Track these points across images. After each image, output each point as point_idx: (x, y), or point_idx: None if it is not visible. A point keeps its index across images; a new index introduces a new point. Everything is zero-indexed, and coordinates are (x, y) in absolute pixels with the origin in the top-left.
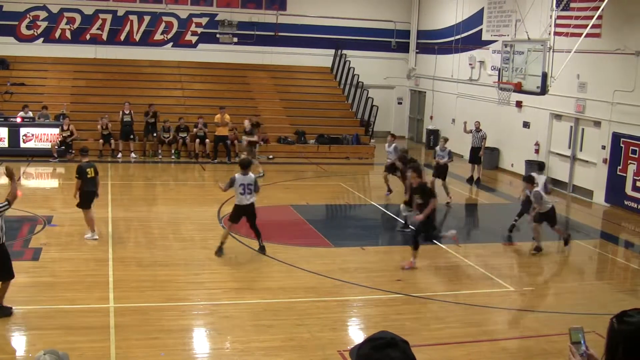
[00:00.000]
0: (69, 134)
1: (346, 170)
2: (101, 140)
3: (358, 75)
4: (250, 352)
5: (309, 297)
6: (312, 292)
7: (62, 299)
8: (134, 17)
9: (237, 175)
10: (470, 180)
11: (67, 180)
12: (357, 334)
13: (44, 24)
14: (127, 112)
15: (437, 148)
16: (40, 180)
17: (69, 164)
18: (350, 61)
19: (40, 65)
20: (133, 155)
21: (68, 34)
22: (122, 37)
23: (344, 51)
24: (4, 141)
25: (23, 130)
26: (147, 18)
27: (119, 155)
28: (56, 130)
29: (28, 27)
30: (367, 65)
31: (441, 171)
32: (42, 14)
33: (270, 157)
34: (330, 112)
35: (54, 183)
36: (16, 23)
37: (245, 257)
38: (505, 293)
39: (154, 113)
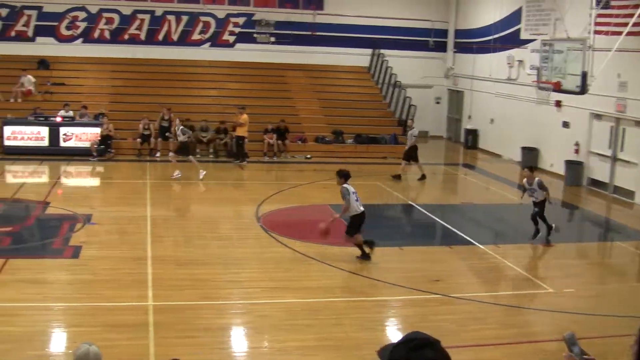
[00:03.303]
0: (107, 133)
1: (384, 170)
2: (139, 140)
3: (395, 75)
4: (287, 351)
5: (346, 296)
6: (349, 292)
7: (101, 296)
8: (171, 17)
9: (347, 186)
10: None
11: (106, 179)
12: (394, 335)
13: (83, 25)
14: (166, 117)
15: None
16: (79, 179)
17: (108, 163)
18: (387, 60)
19: (79, 65)
20: (171, 154)
21: (107, 34)
22: (160, 37)
23: (381, 50)
24: (44, 140)
25: (63, 130)
26: (184, 18)
27: (157, 154)
28: (95, 130)
29: (68, 28)
30: (404, 65)
31: None
32: (81, 15)
33: (308, 156)
34: (368, 111)
35: (93, 182)
36: (56, 24)
37: (283, 256)
38: (544, 294)
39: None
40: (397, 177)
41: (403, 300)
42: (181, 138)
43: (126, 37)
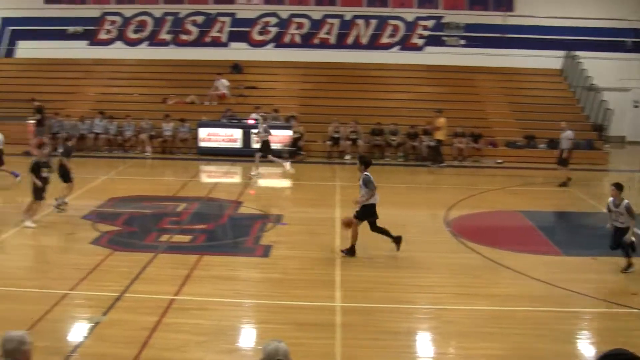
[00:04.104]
0: (298, 135)
1: (578, 176)
2: (329, 142)
3: (590, 77)
4: (473, 359)
5: (535, 306)
6: (539, 301)
7: (290, 295)
8: (360, 22)
9: (369, 174)
10: None
11: (297, 180)
12: (584, 348)
13: (274, 30)
14: (353, 129)
15: None
16: (271, 180)
17: (299, 165)
18: (581, 62)
19: (270, 69)
20: (347, 157)
21: (297, 39)
22: (350, 41)
23: (575, 52)
24: (237, 142)
25: (255, 132)
26: (373, 22)
27: (347, 157)
28: (286, 132)
29: (260, 33)
30: (599, 67)
31: None
32: (273, 20)
33: (499, 161)
34: (561, 115)
35: (284, 183)
36: (249, 29)
37: (472, 262)
38: None
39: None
40: (564, 184)
41: (595, 313)
42: (262, 137)
43: (316, 41)
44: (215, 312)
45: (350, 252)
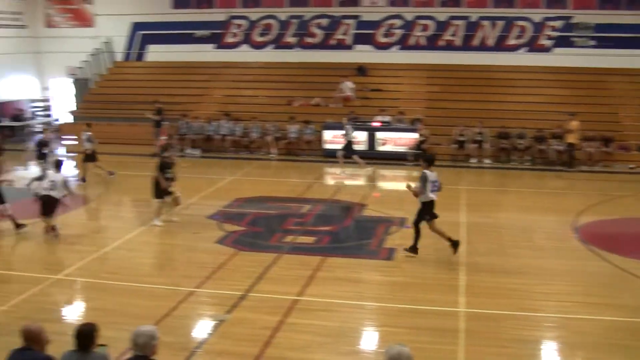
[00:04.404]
0: (423, 138)
1: None
2: (454, 145)
3: None
4: None
5: None
6: None
7: (413, 299)
8: (486, 23)
9: (427, 172)
10: None
11: None
12: None
13: (399, 32)
14: (479, 131)
15: None
16: (395, 183)
17: None
18: None
19: (395, 72)
20: (487, 160)
21: (422, 41)
22: (476, 43)
23: None
24: (362, 144)
25: (380, 135)
26: (500, 23)
27: (473, 160)
28: (411, 135)
29: (384, 35)
30: None
31: None
32: (398, 22)
33: (632, 166)
34: None
35: None
36: (373, 32)
37: (602, 270)
38: None
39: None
40: None
41: None
42: (348, 137)
43: (441, 43)
44: (338, 313)
45: (413, 250)
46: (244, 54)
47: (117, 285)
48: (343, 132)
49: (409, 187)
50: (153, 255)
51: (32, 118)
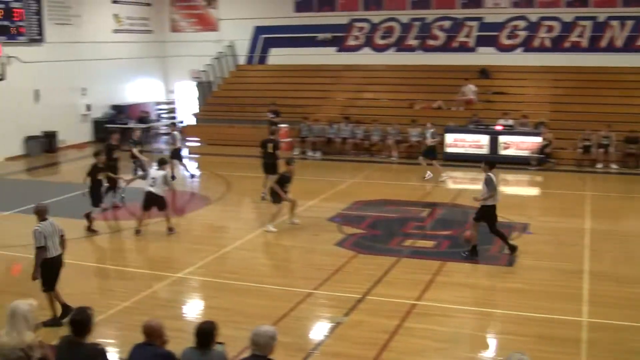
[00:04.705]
0: (547, 142)
1: None
2: (579, 150)
3: None
4: None
5: None
6: None
7: (534, 307)
8: (615, 23)
9: (492, 175)
10: None
11: (544, 189)
12: None
13: (523, 34)
14: (605, 135)
15: None
16: (517, 187)
17: (547, 173)
18: None
19: (519, 74)
20: (614, 166)
21: (547, 42)
22: (603, 44)
23: None
24: (484, 148)
25: (502, 138)
26: (629, 23)
27: (599, 165)
28: (535, 139)
29: (508, 37)
30: None
31: None
32: (522, 24)
33: None
34: None
35: (531, 191)
36: (497, 34)
37: None
38: None
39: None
40: None
41: None
42: (430, 142)
43: (567, 44)
44: (456, 319)
45: (474, 253)
46: (366, 57)
47: (236, 285)
48: (427, 135)
49: (476, 199)
50: (272, 256)
51: (157, 120)
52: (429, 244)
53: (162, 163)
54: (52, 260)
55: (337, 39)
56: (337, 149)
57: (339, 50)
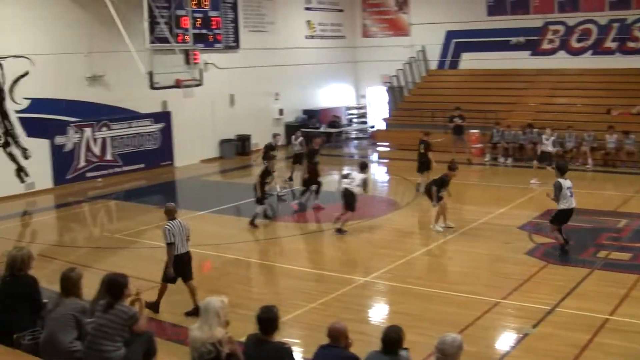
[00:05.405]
0: None
1: None
2: None
3: None
4: None
5: None
6: None
7: None
8: None
9: (561, 180)
10: None
11: None
12: None
13: None
14: None
15: None
16: None
17: None
18: None
19: None
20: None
21: None
22: None
23: None
24: None
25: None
26: None
27: None
28: None
29: None
30: None
31: None
32: None
33: None
34: None
35: None
36: None
37: None
38: None
39: None
40: None
41: None
42: (549, 148)
43: None
44: None
45: (563, 247)
46: (560, 61)
47: (422, 291)
48: (546, 143)
49: (548, 195)
50: (460, 263)
51: (348, 125)
52: (625, 256)
53: (363, 167)
54: (180, 257)
55: (531, 42)
56: (529, 155)
57: (533, 54)
